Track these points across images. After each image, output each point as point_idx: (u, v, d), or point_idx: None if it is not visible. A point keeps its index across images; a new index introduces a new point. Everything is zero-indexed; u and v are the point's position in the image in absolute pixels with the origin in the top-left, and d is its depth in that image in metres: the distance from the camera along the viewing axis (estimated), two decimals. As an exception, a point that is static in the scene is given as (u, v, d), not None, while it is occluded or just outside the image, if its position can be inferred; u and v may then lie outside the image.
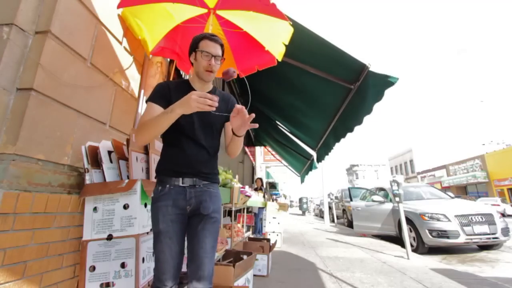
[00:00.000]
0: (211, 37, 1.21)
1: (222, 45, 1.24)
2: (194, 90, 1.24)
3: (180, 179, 1.18)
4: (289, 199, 27.94)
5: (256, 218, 5.17)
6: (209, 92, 1.25)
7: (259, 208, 5.10)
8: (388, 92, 2.16)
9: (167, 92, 1.20)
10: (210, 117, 1.23)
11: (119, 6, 1.85)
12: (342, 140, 3.21)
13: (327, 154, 4.00)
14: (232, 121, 1.12)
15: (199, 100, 0.96)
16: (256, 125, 1.10)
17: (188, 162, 1.19)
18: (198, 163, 1.21)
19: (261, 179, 7.04)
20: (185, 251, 1.21)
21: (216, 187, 1.29)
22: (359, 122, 2.58)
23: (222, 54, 1.25)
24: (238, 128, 1.12)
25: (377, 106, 2.30)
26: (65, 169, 1.50)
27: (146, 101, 1.21)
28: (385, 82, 2.15)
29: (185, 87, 1.24)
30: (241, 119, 1.09)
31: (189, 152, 1.20)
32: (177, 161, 1.20)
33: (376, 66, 2.27)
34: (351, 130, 2.80)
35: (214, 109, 0.97)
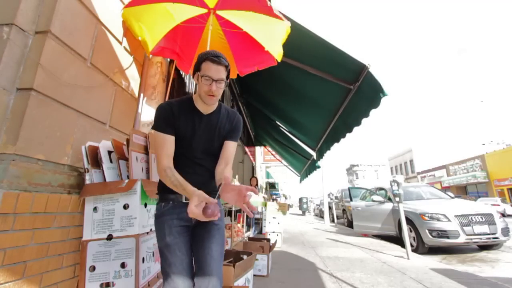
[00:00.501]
0: (214, 59, 1.11)
1: (226, 66, 1.15)
2: (197, 109, 1.20)
3: (183, 196, 1.16)
4: (289, 200, 27.90)
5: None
6: (213, 112, 1.23)
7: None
8: (388, 92, 2.16)
9: (171, 118, 1.16)
10: (213, 142, 1.23)
11: (125, 7, 1.86)
12: (342, 140, 3.22)
13: (326, 152, 4.00)
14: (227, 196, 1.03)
15: (197, 211, 0.92)
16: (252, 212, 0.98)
17: (191, 183, 1.12)
18: (200, 184, 1.15)
19: (256, 178, 6.94)
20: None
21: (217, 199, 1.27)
22: (358, 123, 2.60)
23: (228, 77, 1.18)
24: (229, 199, 1.03)
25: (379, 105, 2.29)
26: (65, 169, 1.50)
27: (153, 129, 1.17)
28: (380, 90, 2.18)
29: (188, 108, 1.20)
30: (240, 198, 0.97)
31: (191, 175, 1.17)
32: None
33: (376, 66, 2.28)
34: (350, 130, 2.81)
35: (213, 218, 0.93)
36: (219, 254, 1.14)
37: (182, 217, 1.15)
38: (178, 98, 1.25)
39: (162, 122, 1.16)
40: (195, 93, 1.27)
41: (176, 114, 1.17)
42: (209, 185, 1.23)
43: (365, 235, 6.64)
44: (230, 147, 1.27)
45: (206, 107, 1.21)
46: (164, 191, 1.20)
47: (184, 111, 1.18)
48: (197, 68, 1.17)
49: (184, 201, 1.17)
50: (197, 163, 1.21)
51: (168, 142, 1.14)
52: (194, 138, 1.19)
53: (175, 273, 1.06)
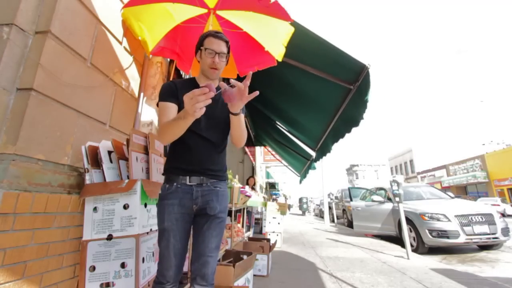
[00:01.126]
0: (216, 34, 1.20)
1: (227, 42, 1.23)
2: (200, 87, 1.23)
3: (187, 177, 1.18)
4: (289, 200, 27.89)
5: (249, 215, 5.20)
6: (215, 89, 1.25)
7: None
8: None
9: (175, 90, 1.20)
10: (216, 111, 1.22)
11: (125, 7, 1.86)
12: (342, 140, 3.22)
13: (327, 153, 4.00)
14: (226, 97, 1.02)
15: (192, 103, 0.89)
16: (257, 93, 0.98)
17: (195, 160, 1.19)
18: (206, 160, 1.21)
19: (254, 178, 6.89)
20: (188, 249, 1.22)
21: (224, 185, 1.28)
22: (357, 124, 2.61)
23: (228, 52, 1.24)
24: (232, 104, 1.03)
25: (377, 106, 2.32)
26: (65, 169, 1.50)
27: (158, 103, 1.20)
28: (365, 95, 2.21)
29: (191, 85, 1.22)
30: (239, 93, 0.98)
31: (196, 149, 1.19)
32: (184, 159, 1.19)
33: (376, 66, 2.29)
34: (349, 130, 2.81)
35: (210, 100, 0.90)
36: (215, 247, 1.19)
37: (183, 204, 1.17)
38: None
39: (165, 94, 1.19)
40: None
41: (179, 87, 1.21)
42: (214, 160, 1.23)
43: (369, 235, 6.60)
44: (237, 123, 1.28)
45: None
46: (169, 170, 1.22)
47: (186, 87, 1.20)
48: (199, 46, 1.22)
49: (188, 183, 1.18)
50: (201, 135, 1.20)
51: (169, 108, 1.15)
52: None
53: (166, 257, 1.14)
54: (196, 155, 1.19)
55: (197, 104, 0.88)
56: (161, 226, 1.17)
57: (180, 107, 1.17)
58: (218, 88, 1.17)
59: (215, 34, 1.20)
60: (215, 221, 1.20)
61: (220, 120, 1.25)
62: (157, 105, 1.22)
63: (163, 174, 1.27)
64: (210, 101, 0.90)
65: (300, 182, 7.07)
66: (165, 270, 1.14)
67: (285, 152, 7.83)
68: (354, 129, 2.75)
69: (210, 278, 1.16)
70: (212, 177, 1.22)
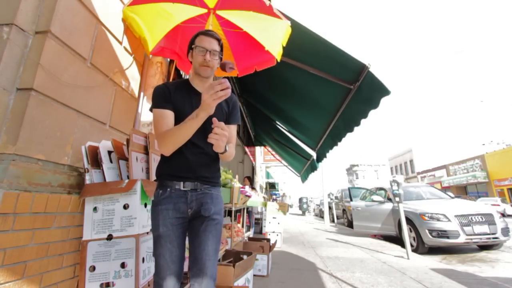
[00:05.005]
0: (206, 32, 1.20)
1: (219, 40, 1.21)
2: (194, 88, 1.22)
3: (181, 183, 1.15)
4: (289, 200, 27.91)
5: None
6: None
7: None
8: (390, 90, 2.17)
9: (168, 94, 1.16)
10: (210, 118, 1.21)
11: (125, 6, 1.86)
12: (342, 140, 3.22)
13: (327, 153, 4.00)
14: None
15: (211, 94, 0.91)
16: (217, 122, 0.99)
17: (189, 167, 1.16)
18: (200, 167, 1.18)
19: (249, 178, 6.85)
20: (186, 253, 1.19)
21: (217, 189, 1.26)
22: (358, 123, 2.60)
23: (221, 50, 1.23)
24: (215, 146, 1.03)
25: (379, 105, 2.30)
26: (65, 169, 1.50)
27: (151, 109, 1.15)
28: (381, 90, 2.18)
29: (184, 87, 1.22)
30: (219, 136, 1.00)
31: (190, 156, 1.16)
32: (178, 166, 1.16)
33: (376, 66, 2.28)
34: (351, 130, 2.81)
35: (229, 93, 0.94)
36: (213, 250, 1.14)
37: (178, 208, 1.13)
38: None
39: (159, 99, 1.15)
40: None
41: (171, 90, 1.18)
42: (208, 169, 1.21)
43: (378, 236, 6.55)
44: (231, 130, 1.27)
45: (203, 84, 1.23)
46: (162, 177, 1.18)
47: (179, 89, 1.19)
48: (190, 45, 1.21)
49: (182, 188, 1.15)
50: (195, 143, 1.16)
51: (167, 116, 1.12)
52: (189, 110, 1.12)
53: (162, 265, 1.09)
54: (190, 162, 1.16)
55: (217, 97, 0.91)
56: (156, 232, 1.11)
57: (175, 112, 1.14)
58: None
59: (205, 32, 1.19)
60: (211, 222, 1.16)
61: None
62: (150, 110, 1.17)
63: (155, 180, 1.23)
64: (229, 93, 0.93)
65: (303, 182, 7.07)
66: (163, 280, 1.08)
67: (285, 152, 7.83)
68: (355, 128, 2.75)
69: (211, 285, 1.08)
70: (206, 183, 1.19)
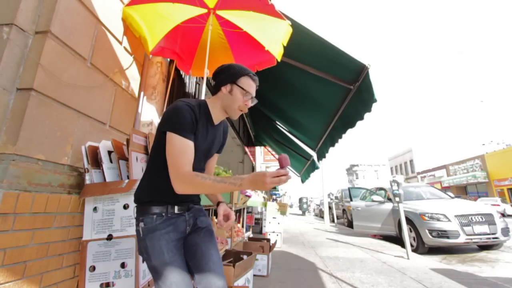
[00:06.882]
0: (254, 78, 1.13)
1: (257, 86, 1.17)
2: (211, 119, 1.14)
3: (176, 207, 1.09)
4: (289, 200, 27.90)
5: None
6: (220, 123, 1.21)
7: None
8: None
9: (195, 123, 1.04)
10: (214, 147, 1.22)
11: (125, 6, 1.86)
12: (341, 140, 3.22)
13: (327, 152, 4.00)
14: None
15: (275, 182, 0.89)
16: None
17: (182, 196, 1.06)
18: (192, 195, 1.16)
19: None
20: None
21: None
22: (353, 125, 2.62)
23: None
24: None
25: (377, 106, 2.31)
26: (65, 169, 1.50)
27: (173, 131, 0.98)
28: (371, 96, 2.19)
29: (204, 115, 1.11)
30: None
31: None
32: (171, 193, 1.00)
33: (376, 66, 2.28)
34: (353, 126, 2.81)
35: (285, 182, 0.91)
36: (218, 259, 1.10)
37: (178, 228, 1.07)
38: (193, 100, 1.11)
39: (184, 125, 0.99)
40: (197, 95, 1.25)
41: (197, 119, 1.06)
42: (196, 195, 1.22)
43: (377, 236, 6.55)
44: (216, 158, 1.33)
45: (221, 118, 1.17)
46: (153, 203, 1.07)
47: (202, 117, 1.08)
48: (232, 79, 1.10)
49: (176, 212, 1.08)
50: (197, 169, 1.13)
51: (190, 149, 1.00)
52: (202, 146, 1.10)
53: None
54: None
55: (276, 184, 0.90)
56: (161, 261, 0.98)
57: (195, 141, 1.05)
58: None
59: (253, 77, 1.12)
60: (207, 233, 1.14)
61: (211, 153, 1.23)
62: (171, 130, 0.99)
63: (139, 205, 1.10)
64: (285, 182, 0.91)
65: (303, 181, 7.07)
66: None
67: (285, 152, 7.82)
68: (354, 129, 2.76)
69: None
70: (195, 204, 1.20)
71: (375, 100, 2.17)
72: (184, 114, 1.00)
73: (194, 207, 1.19)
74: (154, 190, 1.08)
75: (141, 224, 1.05)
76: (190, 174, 0.95)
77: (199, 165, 1.15)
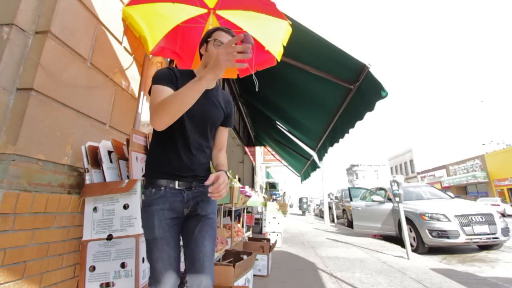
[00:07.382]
0: (226, 29, 1.18)
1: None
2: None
3: (176, 182, 1.09)
4: (289, 200, 27.92)
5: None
6: (213, 89, 1.19)
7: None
8: (388, 91, 2.17)
9: (174, 77, 1.08)
10: (213, 112, 1.17)
11: (125, 6, 1.86)
12: (342, 140, 3.22)
13: (327, 152, 4.01)
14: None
15: (228, 51, 0.81)
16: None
17: (184, 166, 1.10)
18: (195, 167, 1.13)
19: (239, 178, 6.87)
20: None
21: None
22: (353, 125, 2.62)
23: None
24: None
25: (377, 106, 2.31)
26: (65, 169, 1.50)
27: (153, 84, 1.05)
28: (378, 92, 2.18)
29: (190, 77, 1.10)
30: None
31: (185, 156, 1.10)
32: (172, 165, 1.09)
33: (376, 66, 2.28)
34: (353, 126, 2.81)
35: (250, 57, 0.83)
36: (211, 250, 1.10)
37: (174, 208, 1.08)
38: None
39: (163, 77, 1.05)
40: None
41: (178, 76, 1.10)
42: (203, 167, 1.17)
43: (378, 236, 6.55)
44: (225, 134, 1.29)
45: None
46: (155, 174, 1.10)
47: (185, 77, 1.10)
48: (207, 37, 1.17)
49: (177, 187, 1.09)
50: (192, 141, 1.12)
51: (166, 91, 1.01)
52: (195, 108, 1.02)
53: (160, 269, 1.02)
54: (186, 161, 1.10)
55: (232, 57, 0.83)
56: (151, 235, 1.04)
57: None
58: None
59: (225, 29, 1.18)
60: (207, 222, 1.12)
61: (211, 124, 1.19)
62: (149, 92, 1.07)
63: (143, 177, 1.15)
64: (249, 57, 0.83)
65: (302, 181, 7.07)
66: (162, 285, 1.01)
67: (285, 152, 7.83)
68: (354, 129, 2.76)
69: (209, 286, 1.05)
70: (200, 182, 1.15)
71: (386, 95, 2.14)
72: (162, 71, 1.09)
73: (198, 189, 1.14)
74: (155, 160, 1.13)
75: (142, 196, 1.11)
76: (156, 104, 0.97)
77: (199, 139, 1.13)
